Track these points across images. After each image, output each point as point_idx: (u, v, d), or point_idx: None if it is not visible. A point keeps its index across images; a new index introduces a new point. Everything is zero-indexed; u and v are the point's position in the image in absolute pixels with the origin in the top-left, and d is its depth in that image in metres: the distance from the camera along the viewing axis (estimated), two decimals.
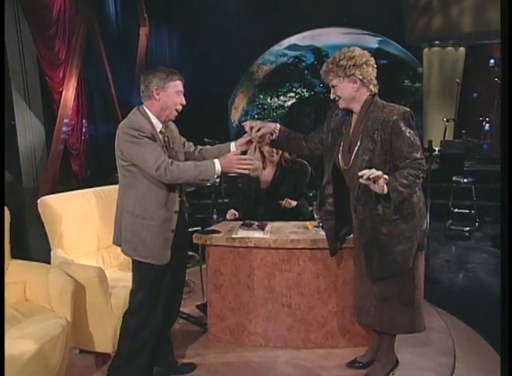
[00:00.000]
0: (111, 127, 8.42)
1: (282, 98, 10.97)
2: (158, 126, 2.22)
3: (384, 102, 2.24)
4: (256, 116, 11.05)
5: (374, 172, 1.99)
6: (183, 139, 2.43)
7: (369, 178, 1.99)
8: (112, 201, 3.02)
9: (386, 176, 2.03)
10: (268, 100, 11.11)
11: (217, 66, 9.46)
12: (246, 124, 2.38)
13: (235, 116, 10.90)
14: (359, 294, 2.37)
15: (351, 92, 2.20)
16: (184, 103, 2.24)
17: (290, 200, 3.11)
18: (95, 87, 8.22)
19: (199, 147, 2.45)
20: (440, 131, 7.62)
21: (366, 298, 2.32)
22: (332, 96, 2.26)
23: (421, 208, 2.23)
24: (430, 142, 4.40)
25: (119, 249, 3.02)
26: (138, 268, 2.23)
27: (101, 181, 6.39)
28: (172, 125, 2.38)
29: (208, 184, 2.28)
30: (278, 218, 3.05)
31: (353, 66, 2.17)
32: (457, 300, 3.62)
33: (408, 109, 2.18)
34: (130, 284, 2.62)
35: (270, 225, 2.86)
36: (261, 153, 3.25)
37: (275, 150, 3.20)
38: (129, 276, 2.81)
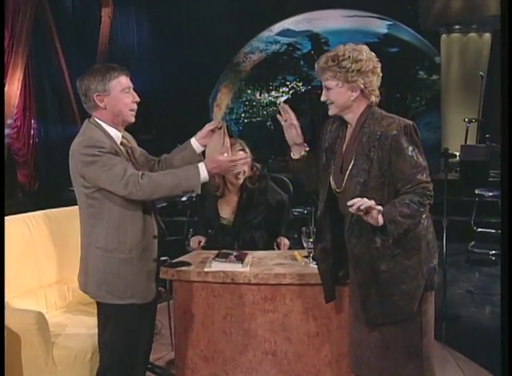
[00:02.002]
0: (66, 129, 8.38)
1: (273, 93, 11.04)
2: (117, 137, 2.24)
3: (384, 112, 2.24)
4: (242, 114, 11.09)
5: (365, 202, 1.99)
6: (142, 150, 2.44)
7: (359, 209, 1.99)
8: (60, 227, 3.05)
9: (379, 207, 2.03)
10: (257, 96, 11.17)
11: (195, 55, 9.49)
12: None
13: (217, 115, 10.92)
14: (356, 340, 2.35)
15: (347, 100, 2.20)
16: (137, 99, 2.25)
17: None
18: (46, 81, 8.19)
19: (160, 158, 2.46)
20: (460, 134, 7.68)
21: (364, 346, 2.31)
22: (323, 99, 2.26)
23: (430, 241, 2.22)
24: (445, 150, 4.44)
25: (65, 286, 3.03)
26: (113, 314, 2.23)
27: (52, 196, 6.42)
28: (128, 135, 2.38)
29: (183, 198, 2.28)
30: (252, 247, 3.05)
31: (357, 71, 2.16)
32: (480, 342, 3.60)
33: (411, 122, 2.18)
34: (79, 331, 2.59)
35: (251, 256, 2.85)
36: (221, 175, 3.17)
37: (241, 169, 3.10)
38: (79, 320, 2.81)
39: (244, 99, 11.25)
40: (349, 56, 2.16)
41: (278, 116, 2.39)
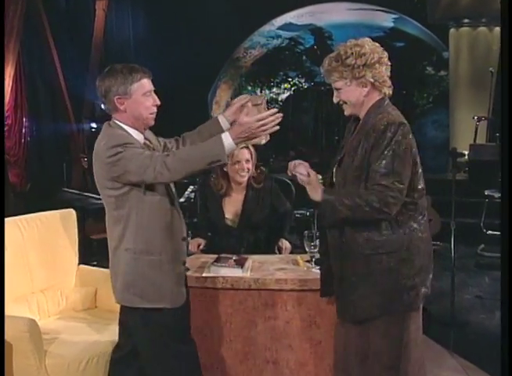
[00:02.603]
0: (59, 127, 8.40)
1: (274, 90, 11.01)
2: (140, 139, 2.28)
3: (390, 107, 2.25)
4: None
5: (299, 163, 2.22)
6: (162, 141, 2.46)
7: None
8: (53, 231, 3.07)
9: (306, 164, 2.21)
10: (258, 93, 11.15)
11: (194, 50, 9.48)
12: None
13: (216, 112, 10.91)
14: (340, 344, 2.38)
15: (359, 97, 2.22)
16: (158, 102, 2.27)
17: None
18: (38, 77, 8.20)
19: (179, 138, 2.46)
20: (469, 133, 7.69)
21: (348, 351, 2.33)
22: (335, 100, 2.27)
23: (412, 258, 2.20)
24: (453, 149, 4.44)
25: (59, 292, 3.04)
26: (143, 319, 2.25)
27: (44, 198, 6.43)
28: (152, 136, 2.41)
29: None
30: (256, 250, 3.08)
31: (363, 66, 2.17)
32: (490, 350, 3.55)
33: (401, 121, 2.17)
34: (73, 339, 2.59)
35: (251, 261, 2.86)
36: (225, 173, 3.21)
37: (245, 167, 3.16)
38: (73, 327, 2.82)
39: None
40: (352, 53, 2.18)
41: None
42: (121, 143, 2.14)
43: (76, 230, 3.25)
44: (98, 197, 5.97)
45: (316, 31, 10.91)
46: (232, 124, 2.36)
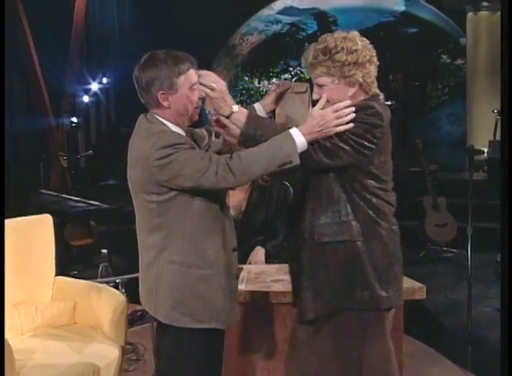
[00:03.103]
0: (36, 121, 8.38)
1: (274, 80, 11.02)
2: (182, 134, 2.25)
3: (369, 103, 2.21)
4: (239, 105, 11.08)
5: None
6: (214, 141, 2.43)
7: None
8: (27, 239, 3.06)
9: (212, 74, 2.20)
10: (256, 84, 11.16)
11: (185, 37, 9.47)
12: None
13: (209, 104, 10.90)
14: (299, 340, 2.37)
15: (344, 97, 2.20)
16: (203, 94, 2.22)
17: None
18: (12, 66, 8.17)
19: (210, 128, 2.43)
20: (489, 127, 7.69)
21: (305, 348, 2.33)
22: (315, 97, 2.24)
23: (369, 258, 2.19)
24: (470, 147, 4.44)
25: (33, 306, 3.03)
26: (187, 340, 2.20)
27: (18, 201, 6.41)
28: (196, 131, 2.40)
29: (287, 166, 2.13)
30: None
31: (354, 64, 2.16)
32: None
33: (374, 108, 2.15)
34: (50, 359, 2.57)
35: (246, 271, 2.88)
36: None
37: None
38: (49, 346, 2.81)
39: (241, 87, 11.25)
40: (343, 48, 2.16)
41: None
42: (173, 144, 2.09)
43: (53, 237, 3.24)
44: (78, 199, 6.01)
45: (320, 16, 10.95)
46: (270, 113, 2.35)
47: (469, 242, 4.19)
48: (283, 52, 11.10)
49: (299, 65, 10.94)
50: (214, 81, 2.18)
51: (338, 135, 2.10)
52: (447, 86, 10.30)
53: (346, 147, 2.10)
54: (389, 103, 8.86)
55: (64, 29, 8.68)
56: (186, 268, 2.16)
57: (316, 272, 2.22)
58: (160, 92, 2.15)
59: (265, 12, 11.04)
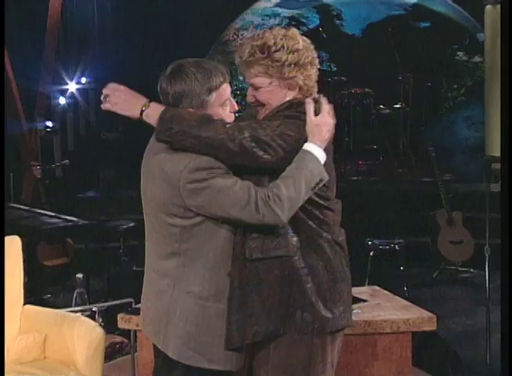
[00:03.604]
0: (6, 126, 8.34)
1: None
2: None
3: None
4: None
5: None
6: None
7: None
8: None
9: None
10: None
11: (173, 32, 9.50)
12: None
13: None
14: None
15: (281, 100, 2.24)
16: (236, 108, 2.28)
17: None
18: None
19: None
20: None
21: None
22: (249, 99, 2.29)
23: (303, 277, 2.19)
24: (488, 157, 4.42)
25: None
26: None
27: None
28: None
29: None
30: None
31: (295, 65, 2.19)
32: None
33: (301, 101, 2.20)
34: None
35: None
36: None
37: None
38: None
39: (235, 87, 11.21)
40: (283, 46, 2.18)
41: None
42: (209, 166, 2.11)
43: (21, 261, 3.23)
44: (53, 214, 5.99)
45: (322, 9, 10.88)
46: None
47: (486, 262, 4.17)
48: None
49: None
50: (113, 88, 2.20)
51: (274, 130, 2.11)
52: (463, 86, 10.28)
53: (281, 142, 2.11)
54: (398, 105, 8.93)
55: (38, 25, 8.69)
56: (204, 301, 2.17)
57: (248, 293, 2.18)
58: (189, 109, 2.18)
59: (262, 4, 11.03)
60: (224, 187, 2.09)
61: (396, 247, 5.93)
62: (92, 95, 9.24)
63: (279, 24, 11.06)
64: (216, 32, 10.83)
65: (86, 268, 5.77)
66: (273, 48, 2.18)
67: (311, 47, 2.25)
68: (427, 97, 9.29)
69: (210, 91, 2.19)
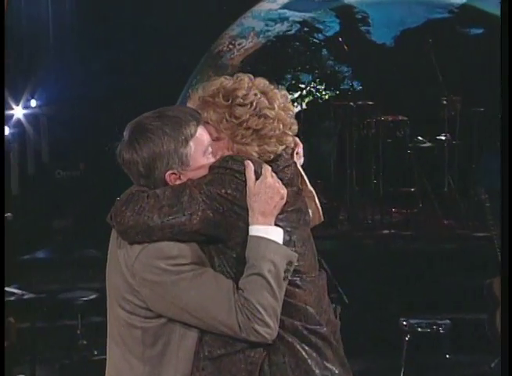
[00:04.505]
0: None
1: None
2: None
3: None
4: None
5: None
6: None
7: None
8: None
9: None
10: None
11: (151, 40, 9.52)
12: None
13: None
14: None
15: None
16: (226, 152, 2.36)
17: None
18: None
19: None
20: None
21: None
22: None
23: None
24: None
25: None
26: None
27: None
28: None
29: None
30: None
31: (254, 132, 2.31)
32: None
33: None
34: None
35: None
36: None
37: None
38: None
39: None
40: (251, 103, 2.29)
41: None
42: (179, 255, 2.21)
43: None
44: None
45: (343, 11, 11.02)
46: None
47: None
48: (291, 61, 11.15)
49: (314, 80, 10.99)
50: None
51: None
52: None
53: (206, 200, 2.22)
54: (442, 137, 8.86)
55: None
56: None
57: None
58: (169, 172, 2.27)
59: (265, 5, 11.13)
60: (201, 285, 2.20)
61: (440, 328, 5.85)
62: (45, 121, 9.21)
63: (287, 31, 11.18)
64: (207, 41, 10.92)
65: (32, 354, 5.70)
66: (238, 100, 2.29)
67: (290, 121, 2.37)
68: (479, 126, 9.22)
69: (186, 142, 2.26)
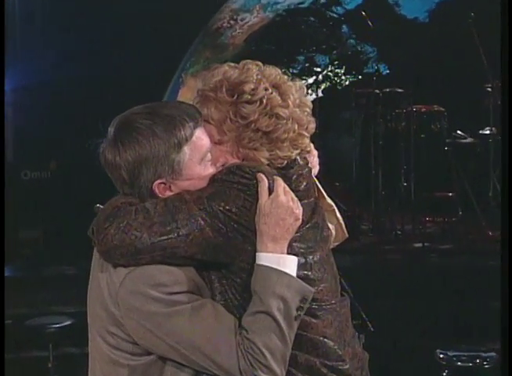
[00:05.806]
0: None
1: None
2: None
3: None
4: None
5: None
6: None
7: None
8: None
9: None
10: None
11: (137, 19, 9.58)
12: None
13: None
14: None
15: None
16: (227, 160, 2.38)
17: None
18: None
19: None
20: None
21: None
22: None
23: None
24: None
25: None
26: None
27: None
28: None
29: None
30: None
31: (264, 134, 2.31)
32: None
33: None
34: None
35: None
36: None
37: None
38: None
39: None
40: (261, 100, 2.30)
41: None
42: (168, 281, 2.24)
43: None
44: None
45: None
46: None
47: None
48: (304, 40, 11.28)
49: (331, 62, 11.06)
50: None
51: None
52: None
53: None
54: (486, 131, 8.84)
55: None
56: None
57: None
58: (158, 181, 2.29)
59: None
60: (196, 318, 2.24)
61: (484, 362, 5.85)
62: (9, 112, 9.26)
63: (299, 4, 11.22)
64: (203, 16, 10.99)
65: None
66: (246, 97, 2.27)
67: (307, 120, 2.38)
68: None
69: (179, 146, 2.27)
